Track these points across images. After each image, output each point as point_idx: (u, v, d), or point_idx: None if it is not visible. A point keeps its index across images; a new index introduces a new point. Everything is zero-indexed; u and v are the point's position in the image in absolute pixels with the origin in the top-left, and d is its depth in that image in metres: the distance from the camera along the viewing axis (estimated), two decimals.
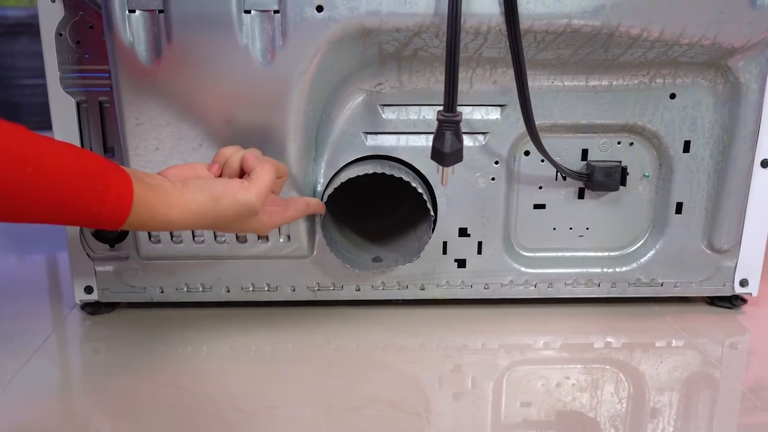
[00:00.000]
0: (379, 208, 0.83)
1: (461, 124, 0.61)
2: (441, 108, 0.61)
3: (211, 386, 0.62)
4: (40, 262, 0.98)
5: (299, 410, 0.59)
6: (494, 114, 0.70)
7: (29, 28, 1.72)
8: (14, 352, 0.68)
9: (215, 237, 0.70)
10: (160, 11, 0.60)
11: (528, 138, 0.69)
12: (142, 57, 0.61)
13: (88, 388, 0.62)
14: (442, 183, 0.64)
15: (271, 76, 0.62)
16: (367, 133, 0.70)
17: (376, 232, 0.80)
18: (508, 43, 0.62)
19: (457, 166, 0.69)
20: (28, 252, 1.01)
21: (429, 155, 0.63)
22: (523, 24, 0.61)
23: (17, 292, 0.85)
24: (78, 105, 0.69)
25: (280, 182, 0.61)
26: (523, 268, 0.75)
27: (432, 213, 0.70)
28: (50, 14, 0.66)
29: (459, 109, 0.61)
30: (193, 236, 0.70)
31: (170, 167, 0.55)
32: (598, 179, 0.72)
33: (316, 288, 0.75)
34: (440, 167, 0.63)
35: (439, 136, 0.61)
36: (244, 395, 0.61)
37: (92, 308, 0.76)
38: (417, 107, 0.70)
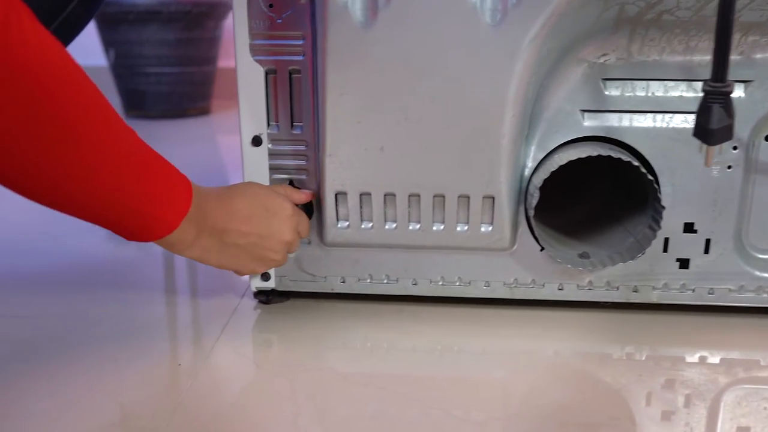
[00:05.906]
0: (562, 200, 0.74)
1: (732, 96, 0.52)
2: (675, 83, 0.53)
3: (416, 391, 0.55)
4: None
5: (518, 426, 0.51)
6: (737, 91, 0.60)
7: (157, 15, 1.72)
8: (199, 338, 0.65)
9: (409, 222, 0.64)
10: None
11: None
12: (357, 18, 0.55)
13: (281, 383, 0.57)
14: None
15: (499, 39, 0.55)
16: (585, 110, 0.62)
17: (561, 226, 0.72)
18: None
19: (686, 152, 0.61)
20: None
21: (655, 138, 0.57)
22: None
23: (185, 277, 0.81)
24: (266, 74, 0.63)
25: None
26: (756, 272, 0.65)
27: (662, 205, 0.61)
28: None
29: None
30: (385, 220, 0.64)
31: None
32: None
33: (514, 285, 0.67)
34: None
35: (704, 110, 0.53)
36: (453, 401, 0.54)
37: (265, 296, 0.70)
38: (645, 82, 0.61)
